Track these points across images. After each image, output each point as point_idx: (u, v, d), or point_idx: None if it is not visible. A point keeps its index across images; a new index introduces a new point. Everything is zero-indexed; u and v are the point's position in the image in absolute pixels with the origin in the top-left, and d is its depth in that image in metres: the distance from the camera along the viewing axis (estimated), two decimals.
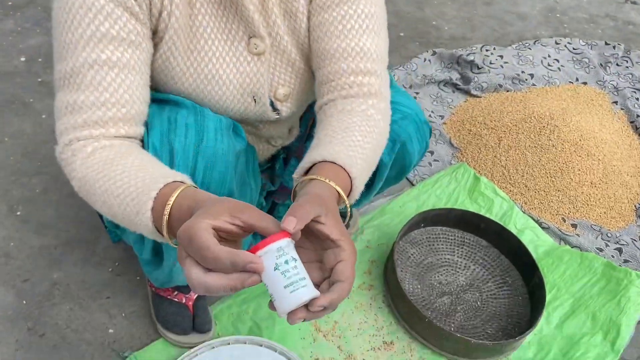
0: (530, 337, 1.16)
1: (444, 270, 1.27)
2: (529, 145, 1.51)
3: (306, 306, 0.53)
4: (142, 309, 1.12)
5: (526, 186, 1.46)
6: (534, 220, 1.39)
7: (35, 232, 1.22)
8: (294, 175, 0.69)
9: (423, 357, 1.12)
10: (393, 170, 0.97)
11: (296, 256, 0.53)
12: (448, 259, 1.29)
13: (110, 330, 1.08)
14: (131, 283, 1.17)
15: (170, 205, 0.56)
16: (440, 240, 1.32)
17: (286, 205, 1.14)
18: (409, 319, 1.13)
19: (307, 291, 0.52)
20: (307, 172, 0.67)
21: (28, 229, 1.23)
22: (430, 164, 1.53)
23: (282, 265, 0.51)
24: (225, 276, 0.49)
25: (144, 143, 0.72)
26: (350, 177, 0.67)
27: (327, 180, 0.62)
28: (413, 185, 1.46)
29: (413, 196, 1.41)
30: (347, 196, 0.66)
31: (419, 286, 1.23)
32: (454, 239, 1.32)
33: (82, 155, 0.65)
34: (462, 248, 1.31)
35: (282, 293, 0.51)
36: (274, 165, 1.07)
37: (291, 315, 0.53)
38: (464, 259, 1.29)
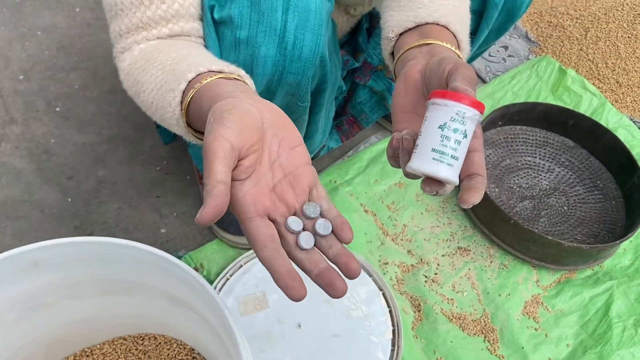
0: (626, 243, 1.03)
1: (525, 173, 1.13)
2: (621, 36, 1.31)
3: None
4: (195, 209, 1.03)
5: (617, 82, 1.27)
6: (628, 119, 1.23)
7: (76, 129, 1.13)
8: (389, 35, 0.57)
9: (504, 263, 1.01)
10: (500, 14, 0.81)
11: (469, 135, 0.45)
12: (529, 161, 1.15)
13: (162, 230, 1.00)
14: (181, 182, 1.07)
15: (192, 92, 0.49)
16: (519, 141, 1.17)
17: (368, 87, 1.00)
18: (489, 221, 1.01)
19: (448, 171, 0.44)
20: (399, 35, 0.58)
21: (69, 126, 1.13)
22: (504, 59, 1.35)
23: (448, 130, 0.44)
24: None
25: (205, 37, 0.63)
26: (456, 38, 0.57)
27: (450, 47, 0.54)
28: (485, 82, 1.30)
29: (487, 94, 1.26)
30: None
31: (496, 189, 1.10)
32: (536, 139, 1.17)
33: (130, 55, 0.61)
34: (544, 149, 1.16)
35: (425, 152, 0.45)
36: (356, 38, 0.92)
37: (428, 182, 0.46)
38: (548, 161, 1.15)
